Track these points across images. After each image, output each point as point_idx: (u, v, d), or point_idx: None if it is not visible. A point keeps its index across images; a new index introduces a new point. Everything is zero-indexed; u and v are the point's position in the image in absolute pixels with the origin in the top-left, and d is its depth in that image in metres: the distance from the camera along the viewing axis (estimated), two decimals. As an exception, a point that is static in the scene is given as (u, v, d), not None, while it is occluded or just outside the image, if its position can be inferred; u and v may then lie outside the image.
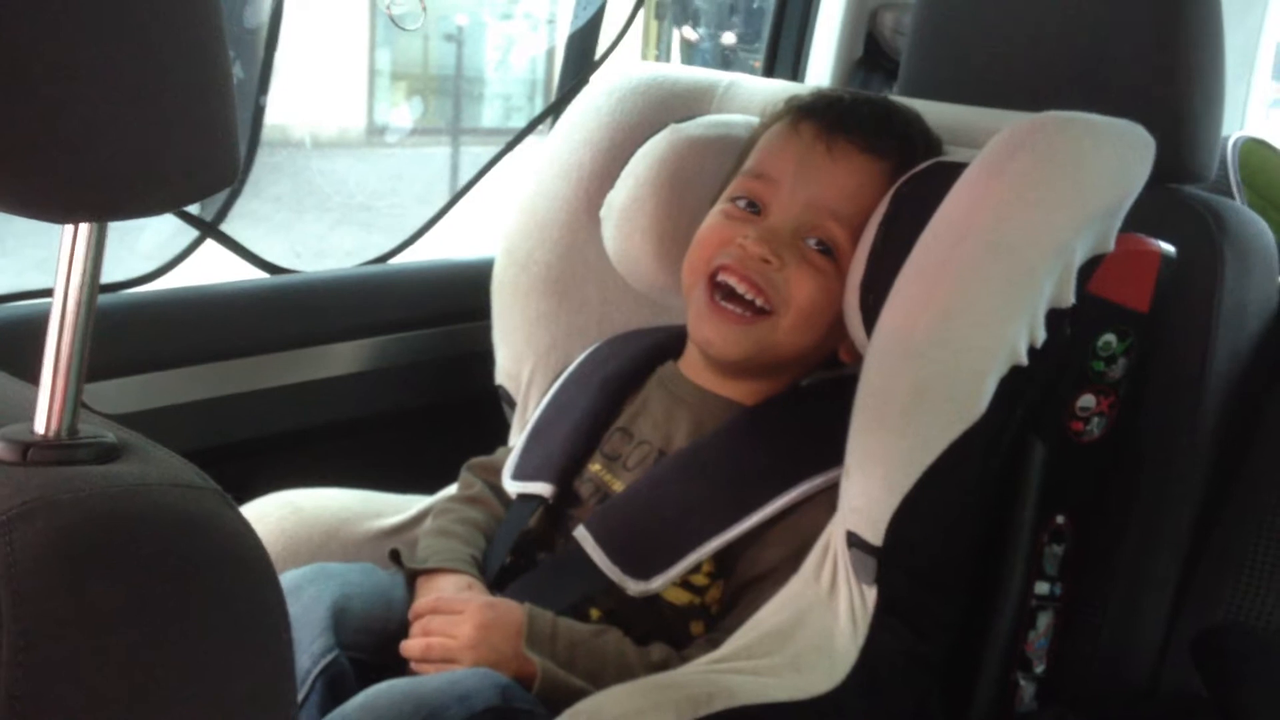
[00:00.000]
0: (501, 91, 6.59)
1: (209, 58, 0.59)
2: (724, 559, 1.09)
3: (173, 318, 1.32)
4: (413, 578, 1.15)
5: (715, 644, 1.04)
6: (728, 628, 1.06)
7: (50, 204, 0.57)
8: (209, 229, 1.38)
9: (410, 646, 1.06)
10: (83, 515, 0.54)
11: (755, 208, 1.16)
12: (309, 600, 1.07)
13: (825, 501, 1.08)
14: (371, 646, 1.07)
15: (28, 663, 0.51)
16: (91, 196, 0.57)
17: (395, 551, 1.17)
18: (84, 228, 0.60)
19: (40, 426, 0.60)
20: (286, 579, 1.10)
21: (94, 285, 0.61)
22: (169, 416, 1.28)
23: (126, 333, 1.27)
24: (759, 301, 1.12)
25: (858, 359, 1.08)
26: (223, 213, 1.39)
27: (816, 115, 1.17)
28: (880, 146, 1.15)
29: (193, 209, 1.36)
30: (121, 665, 0.52)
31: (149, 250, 1.34)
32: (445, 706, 0.92)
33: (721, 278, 1.14)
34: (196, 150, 0.60)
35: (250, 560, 0.58)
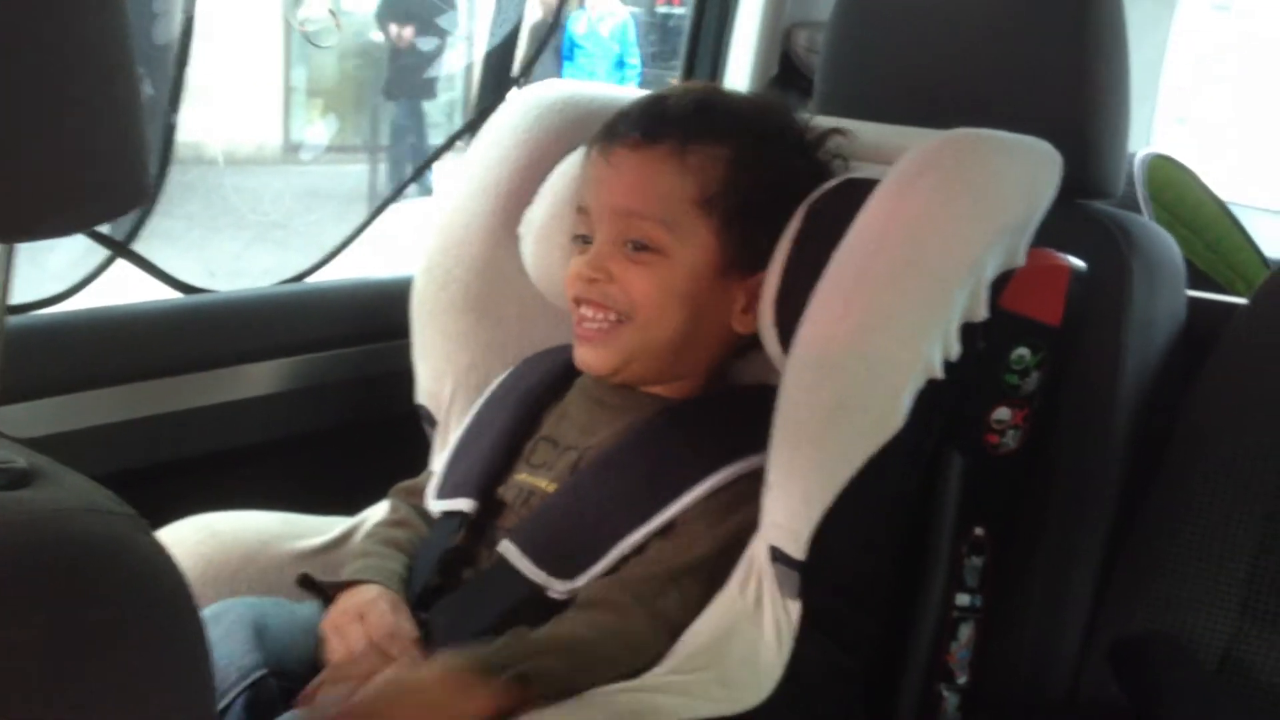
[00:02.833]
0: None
1: (118, 77, 0.58)
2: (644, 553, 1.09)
3: (84, 339, 1.30)
4: (329, 596, 1.14)
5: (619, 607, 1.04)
6: (637, 574, 1.07)
7: None
8: (120, 248, 1.36)
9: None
10: None
11: (588, 239, 1.19)
12: (230, 623, 1.06)
13: (747, 490, 1.08)
14: (294, 674, 1.06)
15: None
16: (2, 218, 0.56)
17: (304, 576, 1.16)
18: None
19: None
20: (204, 612, 1.08)
21: (2, 307, 0.60)
22: (81, 440, 1.25)
23: (37, 355, 1.24)
24: (611, 317, 1.16)
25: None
26: (134, 232, 1.36)
27: (596, 136, 1.22)
28: (652, 134, 1.17)
29: (104, 228, 1.33)
30: (34, 695, 0.51)
31: (58, 270, 1.31)
32: None
33: (580, 310, 1.18)
34: (106, 170, 0.59)
35: (167, 586, 0.57)
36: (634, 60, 6.73)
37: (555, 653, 1.00)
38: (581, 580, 1.08)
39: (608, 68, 6.58)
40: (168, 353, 1.35)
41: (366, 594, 1.13)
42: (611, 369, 1.17)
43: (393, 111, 5.63)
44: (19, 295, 1.27)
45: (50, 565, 0.54)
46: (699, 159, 1.15)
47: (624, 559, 1.09)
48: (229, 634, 1.05)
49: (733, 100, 1.25)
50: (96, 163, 0.58)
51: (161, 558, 0.58)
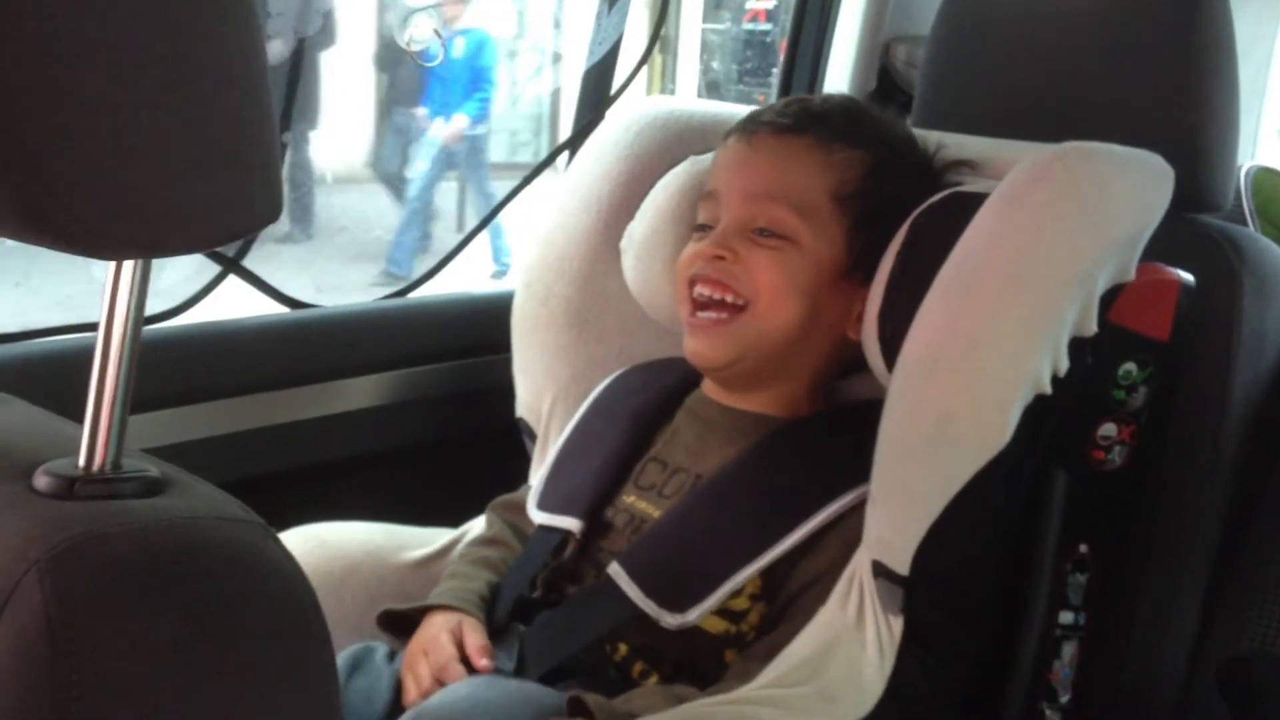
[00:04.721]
0: (508, 127, 6.65)
1: (252, 94, 0.60)
2: (769, 578, 1.09)
3: (194, 353, 1.33)
4: (403, 626, 1.15)
5: (746, 674, 1.04)
6: (762, 651, 1.06)
7: (96, 241, 0.57)
8: (231, 265, 1.39)
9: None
10: (131, 549, 0.55)
11: (709, 228, 1.19)
12: None
13: (858, 521, 1.08)
14: None
15: (76, 695, 0.51)
16: (136, 233, 0.57)
17: (383, 615, 1.17)
18: (128, 264, 0.61)
19: (85, 461, 0.60)
20: None
21: (138, 321, 0.62)
22: (191, 451, 1.28)
23: (149, 368, 1.27)
24: (729, 298, 1.15)
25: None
26: (245, 249, 1.40)
27: (739, 124, 1.22)
28: (797, 126, 1.18)
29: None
30: (169, 698, 0.53)
31: (170, 286, 1.35)
32: None
33: (695, 291, 1.17)
34: (240, 186, 0.60)
35: (294, 592, 0.58)
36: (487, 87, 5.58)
37: None
38: (693, 614, 1.07)
39: (460, 94, 5.53)
40: (275, 367, 1.38)
41: (431, 627, 1.13)
42: (726, 361, 1.16)
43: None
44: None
45: (184, 571, 0.55)
46: (841, 157, 1.16)
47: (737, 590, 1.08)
48: None
49: (874, 111, 1.26)
50: (231, 180, 0.59)
51: (290, 565, 0.59)
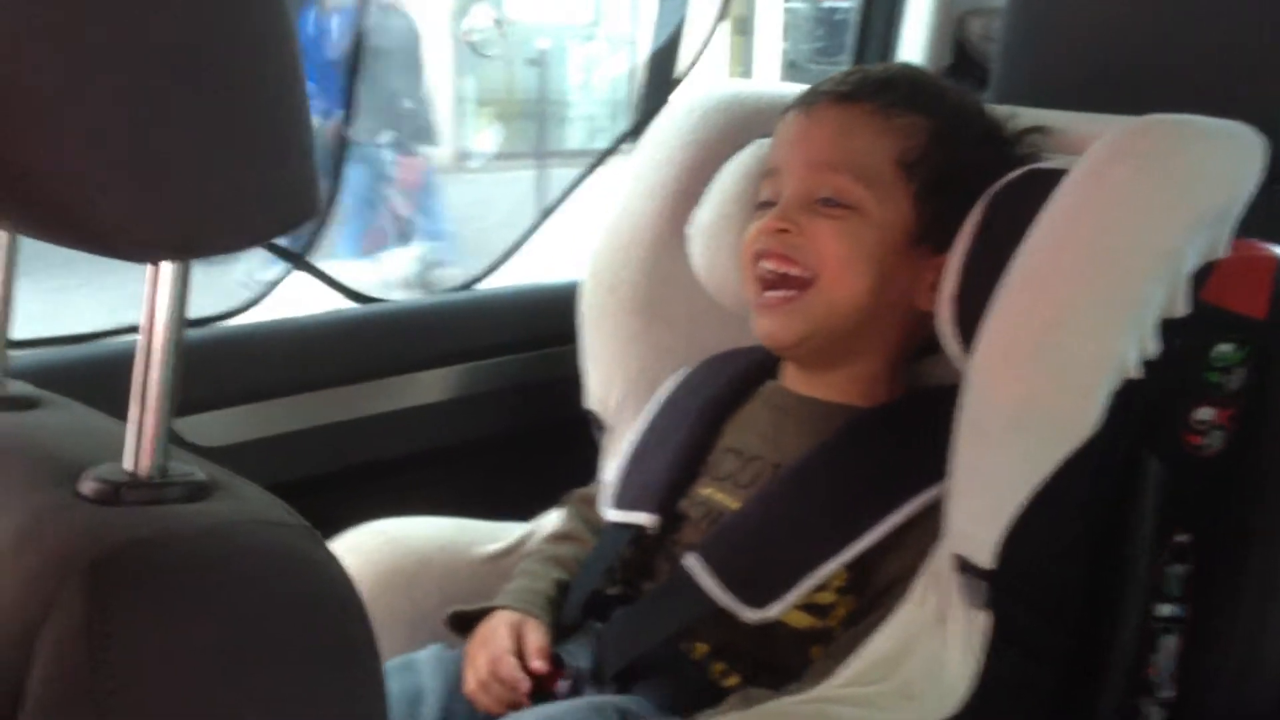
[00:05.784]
0: (585, 113, 6.65)
1: (286, 92, 0.58)
2: (856, 572, 1.06)
3: (262, 350, 1.33)
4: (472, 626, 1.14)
5: (826, 672, 1.01)
6: (843, 648, 1.03)
7: (132, 245, 0.56)
8: (297, 260, 1.38)
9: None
10: (173, 556, 0.54)
11: (773, 204, 1.16)
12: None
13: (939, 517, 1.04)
14: None
15: (116, 701, 0.50)
16: (174, 236, 0.56)
17: (452, 616, 1.17)
18: (167, 266, 0.59)
19: (130, 465, 0.59)
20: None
21: (180, 322, 0.60)
22: (260, 449, 1.28)
23: (217, 366, 1.27)
24: (794, 271, 1.12)
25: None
26: (310, 244, 1.39)
27: (798, 98, 1.19)
28: (858, 93, 1.15)
29: (282, 241, 1.36)
30: (211, 705, 0.51)
31: (236, 284, 1.35)
32: None
33: (760, 267, 1.14)
34: (277, 185, 0.58)
35: (340, 598, 0.56)
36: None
37: None
38: (774, 609, 1.04)
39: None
40: (342, 362, 1.38)
41: (492, 621, 1.13)
42: (797, 338, 1.13)
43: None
44: (199, 308, 1.30)
45: (227, 578, 0.54)
46: (904, 123, 1.12)
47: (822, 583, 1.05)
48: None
49: (934, 78, 1.23)
50: (267, 179, 0.58)
51: (336, 570, 0.57)
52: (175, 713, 0.51)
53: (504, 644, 1.09)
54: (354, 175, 4.82)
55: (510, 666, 1.07)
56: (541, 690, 1.08)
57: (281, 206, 0.59)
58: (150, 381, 0.59)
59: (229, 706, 0.51)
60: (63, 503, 0.56)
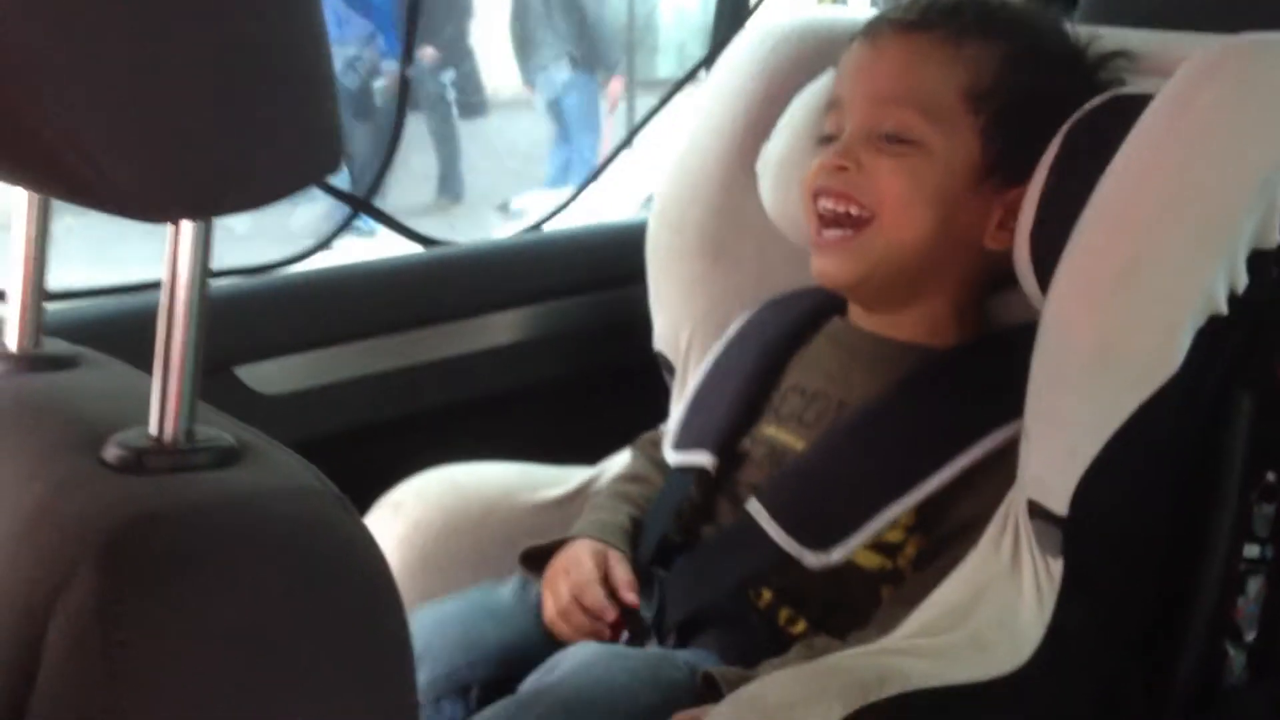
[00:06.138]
0: (676, 40, 6.54)
1: (306, 42, 0.56)
2: (924, 512, 1.03)
3: (326, 296, 1.32)
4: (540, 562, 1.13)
5: (893, 619, 0.98)
6: (910, 594, 1.00)
7: (149, 205, 0.54)
8: (362, 205, 1.37)
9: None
10: (194, 528, 0.52)
11: (836, 139, 1.11)
12: (450, 622, 1.08)
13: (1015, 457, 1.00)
14: (528, 658, 1.04)
15: (130, 683, 0.48)
16: (191, 194, 0.54)
17: (526, 553, 1.15)
18: (187, 224, 0.57)
19: (155, 430, 0.58)
20: (440, 609, 1.11)
21: (203, 281, 0.58)
22: (324, 396, 1.28)
23: (280, 313, 1.27)
24: (853, 210, 1.08)
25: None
26: (374, 187, 1.38)
27: (864, 26, 1.14)
28: (924, 22, 1.09)
29: (343, 184, 1.35)
30: (230, 686, 0.50)
31: (301, 229, 1.34)
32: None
33: (819, 204, 1.10)
34: (298, 138, 0.56)
35: (369, 570, 0.55)
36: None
37: None
38: (837, 554, 1.02)
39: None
40: (406, 307, 1.37)
41: (576, 548, 1.11)
42: (855, 278, 1.10)
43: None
44: (263, 255, 1.30)
45: (250, 550, 0.52)
46: (973, 50, 1.07)
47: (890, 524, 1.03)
48: (456, 630, 1.06)
49: (1007, 2, 1.17)
50: (287, 133, 0.56)
51: (364, 540, 0.56)
52: (192, 694, 0.49)
53: (589, 572, 1.08)
54: (571, 102, 4.98)
55: (596, 595, 1.06)
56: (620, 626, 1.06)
57: (303, 159, 0.57)
58: (174, 343, 0.58)
59: (248, 687, 0.50)
60: (85, 471, 0.55)
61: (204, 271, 0.58)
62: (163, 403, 0.58)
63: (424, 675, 1.03)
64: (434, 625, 1.07)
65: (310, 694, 0.52)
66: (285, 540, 0.53)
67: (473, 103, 5.28)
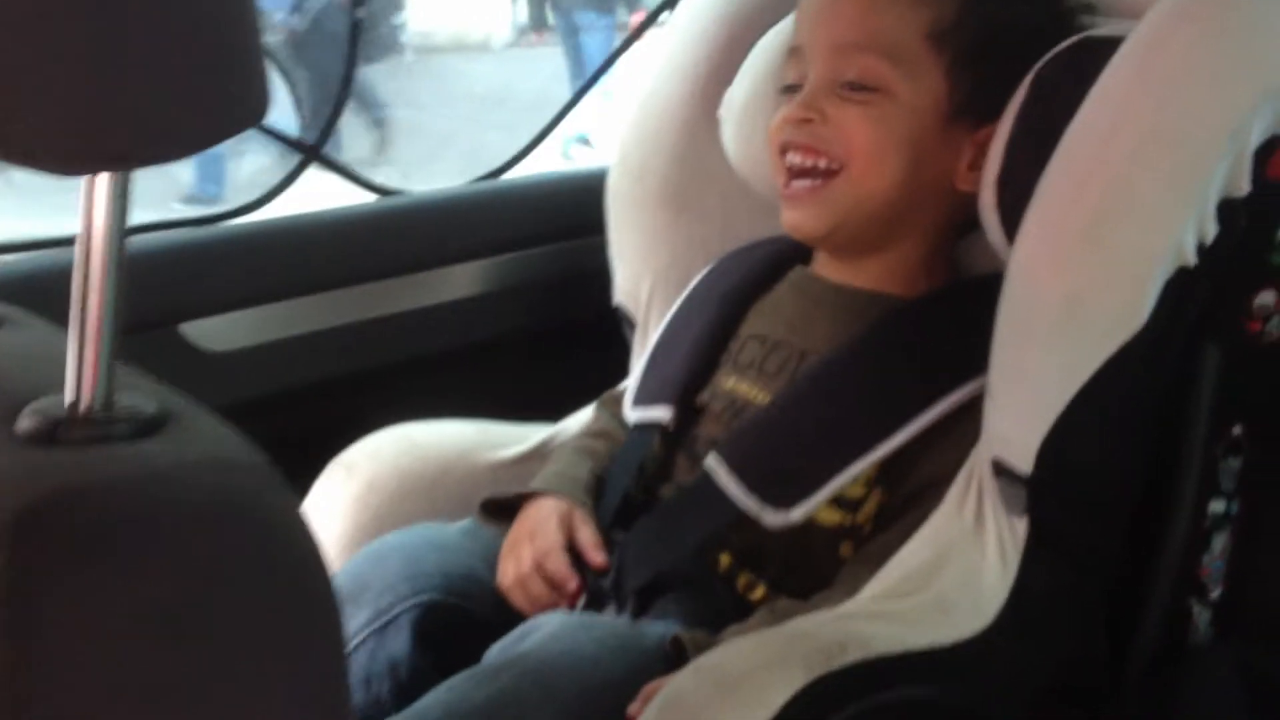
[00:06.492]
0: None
1: None
2: (887, 466, 1.01)
3: (274, 248, 1.29)
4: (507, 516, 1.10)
5: (856, 581, 0.96)
6: (874, 554, 0.98)
7: (59, 156, 0.51)
8: (312, 153, 1.33)
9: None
10: (108, 504, 0.49)
11: (798, 87, 1.08)
12: (400, 550, 1.04)
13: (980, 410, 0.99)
14: (479, 599, 1.02)
15: (37, 673, 0.46)
16: (106, 144, 0.51)
17: (485, 503, 1.13)
18: (103, 176, 0.54)
19: (71, 398, 0.54)
20: (381, 543, 1.07)
21: (120, 239, 0.55)
22: (274, 352, 1.25)
23: (227, 267, 1.23)
24: (821, 163, 1.05)
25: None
26: (325, 135, 1.33)
27: None
28: None
29: (292, 133, 1.31)
30: (144, 667, 0.47)
31: (248, 179, 1.30)
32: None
33: (786, 159, 1.07)
34: (220, 87, 0.53)
35: (297, 548, 0.52)
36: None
37: None
38: (798, 512, 0.99)
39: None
40: (359, 259, 1.33)
41: (540, 509, 1.08)
42: (826, 229, 1.07)
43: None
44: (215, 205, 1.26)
45: (169, 527, 0.49)
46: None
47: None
48: (397, 562, 1.03)
49: None
50: (209, 80, 0.53)
51: (293, 516, 0.53)
52: (106, 679, 0.47)
53: (554, 537, 1.05)
54: (594, 43, 4.93)
55: (560, 563, 1.03)
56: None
57: (228, 108, 0.54)
58: (90, 305, 0.54)
59: (166, 669, 0.47)
60: None
61: (122, 227, 0.55)
62: (79, 369, 0.54)
63: (368, 608, 1.01)
64: (376, 557, 1.05)
65: (232, 675, 0.49)
66: (206, 516, 0.50)
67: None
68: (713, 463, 1.03)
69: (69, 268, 0.55)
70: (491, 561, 1.07)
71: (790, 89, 1.10)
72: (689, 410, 1.11)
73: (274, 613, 0.50)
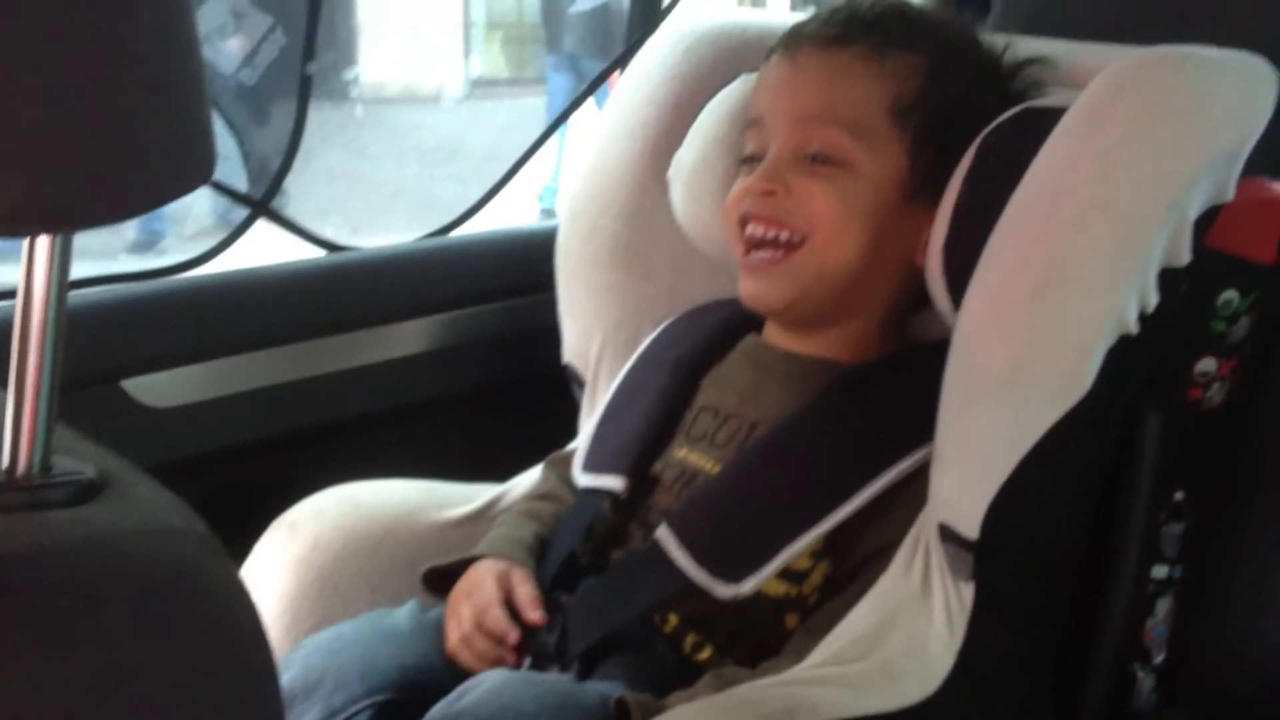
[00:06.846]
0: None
1: (175, 43, 0.52)
2: (834, 535, 1.00)
3: (222, 303, 1.27)
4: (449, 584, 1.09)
5: (803, 649, 0.96)
6: (821, 623, 0.98)
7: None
8: (260, 207, 1.32)
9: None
10: (44, 573, 0.48)
11: (757, 159, 1.09)
12: (349, 647, 1.03)
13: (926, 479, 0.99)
14: (433, 684, 1.00)
15: None
16: (46, 205, 0.50)
17: (428, 573, 1.12)
18: (44, 239, 0.53)
19: (8, 464, 0.53)
20: (335, 634, 1.06)
21: (61, 301, 0.54)
22: (219, 409, 1.23)
23: (171, 321, 1.22)
24: (783, 235, 1.06)
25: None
26: (273, 190, 1.33)
27: (782, 40, 1.12)
28: (846, 36, 1.07)
29: (242, 188, 1.31)
30: None
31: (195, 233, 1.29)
32: None
33: (747, 230, 1.08)
34: (165, 147, 0.53)
35: (235, 617, 0.51)
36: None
37: None
38: (748, 584, 0.99)
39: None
40: (306, 315, 1.32)
41: (478, 570, 1.07)
42: (787, 301, 1.07)
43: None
44: (158, 260, 1.25)
45: (104, 597, 0.48)
46: (896, 65, 1.05)
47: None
48: (350, 657, 1.01)
49: (925, 11, 1.16)
50: (154, 140, 0.52)
51: (232, 585, 0.52)
52: None
53: (491, 594, 1.04)
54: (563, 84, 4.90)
55: (498, 618, 1.02)
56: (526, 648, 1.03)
57: (173, 170, 0.54)
58: (28, 367, 0.54)
59: None
60: None
61: (64, 288, 0.54)
62: (15, 433, 0.53)
63: (320, 705, 0.99)
64: (328, 652, 1.03)
65: None
66: (143, 584, 0.49)
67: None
68: (663, 534, 1.03)
69: (7, 323, 0.54)
70: (443, 644, 1.06)
71: (749, 160, 1.10)
72: (642, 480, 1.11)
73: (211, 682, 0.49)
